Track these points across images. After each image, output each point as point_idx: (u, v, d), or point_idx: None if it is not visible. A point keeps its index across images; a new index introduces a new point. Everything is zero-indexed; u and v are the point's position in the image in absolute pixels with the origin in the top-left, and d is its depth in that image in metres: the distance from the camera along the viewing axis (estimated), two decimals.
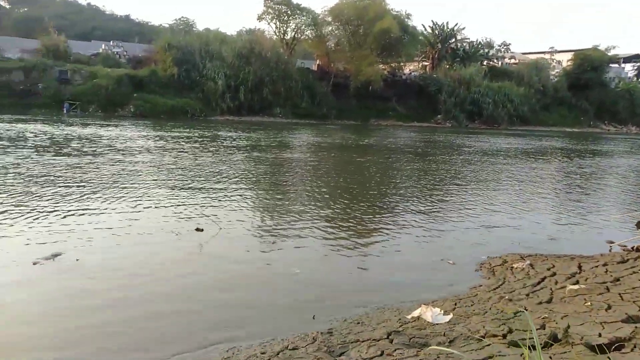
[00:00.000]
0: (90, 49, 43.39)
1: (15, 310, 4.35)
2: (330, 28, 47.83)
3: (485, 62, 58.46)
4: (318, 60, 50.50)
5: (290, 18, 46.18)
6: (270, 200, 9.63)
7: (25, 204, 7.83)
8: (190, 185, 10.21)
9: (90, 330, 4.00)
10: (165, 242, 6.37)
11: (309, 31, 47.36)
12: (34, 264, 5.33)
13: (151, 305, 4.57)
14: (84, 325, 4.08)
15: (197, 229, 6.87)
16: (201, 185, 10.28)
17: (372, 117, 45.60)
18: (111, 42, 46.69)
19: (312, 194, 10.11)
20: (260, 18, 46.35)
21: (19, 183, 9.43)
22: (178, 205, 8.33)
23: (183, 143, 18.71)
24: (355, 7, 45.37)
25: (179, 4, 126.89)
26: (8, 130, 19.72)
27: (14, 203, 7.85)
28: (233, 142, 20.56)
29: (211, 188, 10.08)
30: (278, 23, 46.48)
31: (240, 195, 9.59)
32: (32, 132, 19.33)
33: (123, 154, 14.49)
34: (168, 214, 7.78)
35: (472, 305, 4.56)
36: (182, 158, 14.39)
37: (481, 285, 5.34)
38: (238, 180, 11.27)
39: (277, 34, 46.90)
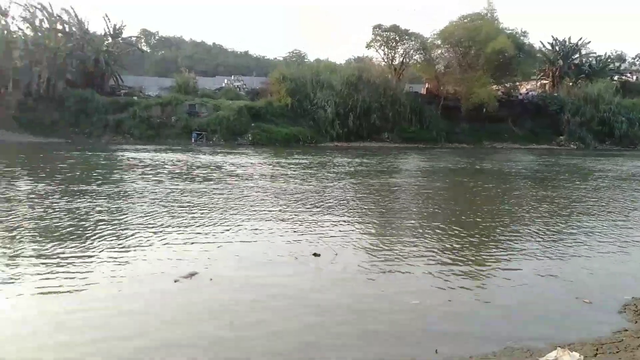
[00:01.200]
0: (215, 84, 47.86)
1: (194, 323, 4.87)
2: (439, 51, 47.14)
3: (616, 77, 52.89)
4: (427, 84, 49.90)
5: (399, 44, 46.44)
6: (381, 227, 9.64)
7: (158, 225, 8.80)
8: (304, 210, 10.63)
9: (259, 329, 4.36)
10: (286, 265, 6.70)
11: (417, 55, 47.15)
12: (175, 281, 5.94)
13: (301, 317, 4.96)
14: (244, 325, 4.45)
15: (315, 254, 7.12)
16: (315, 210, 10.65)
17: (485, 139, 43.56)
18: (232, 77, 50.98)
19: (424, 220, 9.91)
20: (368, 46, 47.28)
21: (153, 205, 10.62)
22: (294, 230, 8.72)
23: (297, 169, 19.61)
24: (466, 28, 44.23)
25: (292, 38, 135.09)
26: (150, 158, 22.43)
27: (152, 224, 8.86)
28: (343, 167, 21.04)
29: (325, 213, 10.39)
30: (386, 50, 46.98)
31: (352, 221, 9.75)
32: (168, 160, 21.76)
33: (244, 179, 15.62)
34: (285, 237, 8.17)
35: (617, 352, 4.08)
36: (296, 183, 15.07)
37: (627, 330, 4.76)
38: (350, 206, 11.47)
39: (386, 60, 47.42)
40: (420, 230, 8.98)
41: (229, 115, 37.77)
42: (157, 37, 74.55)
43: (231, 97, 42.02)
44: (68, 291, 5.52)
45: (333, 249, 7.45)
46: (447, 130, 42.88)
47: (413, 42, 46.15)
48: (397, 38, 46.20)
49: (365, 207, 11.73)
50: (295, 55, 58.33)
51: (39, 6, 38.85)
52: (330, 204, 11.53)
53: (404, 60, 47.23)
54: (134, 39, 51.86)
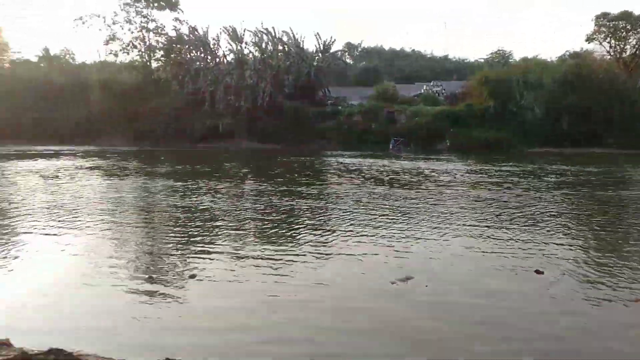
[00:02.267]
0: (413, 90, 48.37)
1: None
2: None
3: None
4: None
5: (631, 33, 39.52)
6: (614, 245, 8.32)
7: (366, 227, 9.27)
8: (518, 221, 9.90)
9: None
10: (505, 278, 6.36)
11: None
12: (392, 283, 6.21)
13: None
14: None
15: (537, 271, 6.58)
16: (530, 222, 9.82)
17: None
18: (431, 82, 50.73)
19: None
20: (589, 39, 41.54)
21: (359, 209, 11.24)
22: (509, 240, 8.20)
23: (501, 176, 18.39)
24: None
25: (496, 37, 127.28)
26: (353, 163, 23.96)
27: (357, 225, 9.40)
28: (555, 176, 18.87)
29: (542, 226, 9.50)
30: (613, 41, 40.51)
31: (577, 236, 8.68)
32: (368, 165, 22.89)
33: (445, 186, 15.37)
34: (496, 248, 7.75)
35: None
36: (500, 192, 14.13)
37: None
38: (567, 220, 10.23)
39: (612, 53, 40.87)
40: None
41: (426, 121, 37.71)
42: (359, 49, 79.05)
43: (429, 103, 41.86)
44: (291, 292, 6.28)
45: (559, 268, 6.77)
46: None
47: None
48: (628, 27, 39.41)
49: (586, 222, 10.30)
50: (498, 55, 54.85)
51: (265, 31, 45.25)
52: (542, 217, 10.48)
53: (638, 52, 39.97)
54: (339, 53, 56.06)
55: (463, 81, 46.65)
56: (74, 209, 10.64)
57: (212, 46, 46.80)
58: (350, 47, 76.08)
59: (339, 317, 5.18)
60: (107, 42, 50.05)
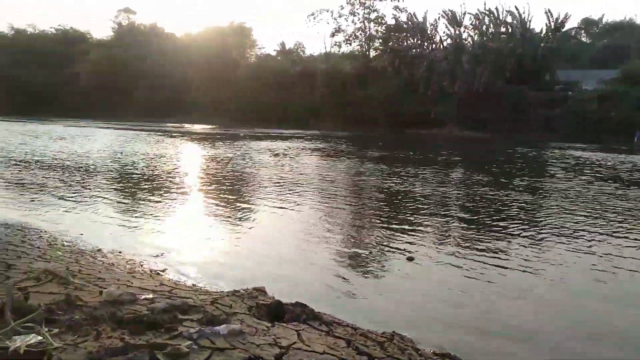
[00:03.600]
0: None
1: None
2: None
3: None
4: None
5: None
6: None
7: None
8: None
9: None
10: None
11: None
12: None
13: None
14: None
15: None
16: None
17: None
18: None
19: None
20: None
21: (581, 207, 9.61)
22: None
23: None
24: None
25: None
26: (596, 160, 20.82)
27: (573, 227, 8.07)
28: None
29: None
30: None
31: None
32: (609, 162, 19.54)
33: None
34: None
35: None
36: None
37: None
38: None
39: None
40: None
41: None
42: (600, 25, 67.55)
43: None
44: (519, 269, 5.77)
45: None
46: None
47: None
48: None
49: None
50: None
51: (487, 12, 42.55)
52: None
53: None
54: (574, 31, 48.99)
55: None
56: (295, 183, 12.02)
57: (429, 32, 46.45)
58: (587, 23, 65.79)
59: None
60: (332, 34, 54.59)
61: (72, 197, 9.15)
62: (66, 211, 7.90)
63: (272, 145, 25.07)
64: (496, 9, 42.34)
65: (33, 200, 8.67)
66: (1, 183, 10.61)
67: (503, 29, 42.72)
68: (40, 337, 2.24)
